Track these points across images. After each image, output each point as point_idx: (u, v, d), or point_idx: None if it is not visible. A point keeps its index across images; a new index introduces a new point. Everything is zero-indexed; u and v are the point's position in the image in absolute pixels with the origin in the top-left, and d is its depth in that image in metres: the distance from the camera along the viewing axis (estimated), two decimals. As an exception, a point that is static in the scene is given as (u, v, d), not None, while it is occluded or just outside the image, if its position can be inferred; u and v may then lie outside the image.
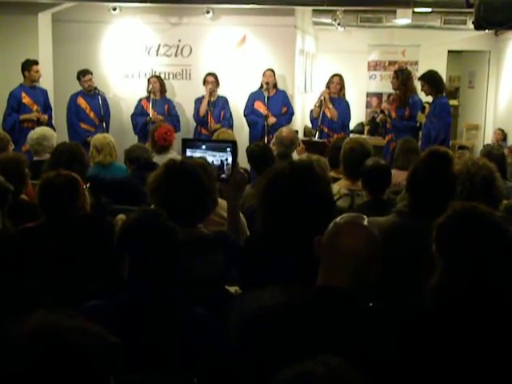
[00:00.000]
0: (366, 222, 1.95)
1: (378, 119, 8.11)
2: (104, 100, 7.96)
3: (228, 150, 2.97)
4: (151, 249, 2.14)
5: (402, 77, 7.38)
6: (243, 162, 5.69)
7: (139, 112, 8.07)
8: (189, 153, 3.04)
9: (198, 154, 3.02)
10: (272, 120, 7.87)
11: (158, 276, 2.15)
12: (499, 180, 3.45)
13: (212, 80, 8.03)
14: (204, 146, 3.05)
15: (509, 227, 2.00)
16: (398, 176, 4.83)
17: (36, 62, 7.48)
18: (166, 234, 2.18)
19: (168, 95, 8.28)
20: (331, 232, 1.93)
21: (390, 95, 8.12)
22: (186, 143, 3.12)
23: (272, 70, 8.00)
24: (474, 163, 3.37)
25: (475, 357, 1.86)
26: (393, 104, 7.56)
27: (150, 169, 4.31)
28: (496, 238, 1.94)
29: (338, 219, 1.95)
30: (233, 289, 2.82)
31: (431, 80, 7.01)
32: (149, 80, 8.13)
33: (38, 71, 7.46)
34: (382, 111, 7.80)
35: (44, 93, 7.73)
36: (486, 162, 3.57)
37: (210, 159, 2.96)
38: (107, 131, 7.43)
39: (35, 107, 7.48)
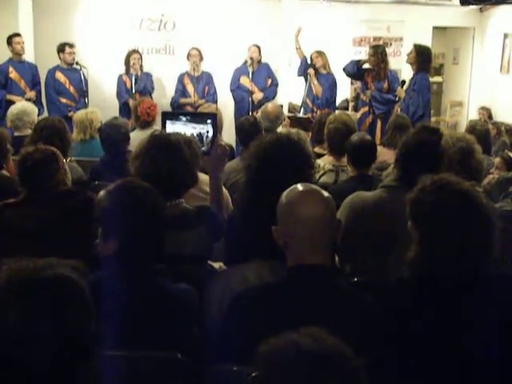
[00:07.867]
0: (317, 188, 1.90)
1: (354, 87, 7.98)
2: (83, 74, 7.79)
3: (208, 122, 2.92)
4: (132, 222, 2.07)
5: (382, 53, 7.32)
6: (228, 137, 5.63)
7: (123, 90, 7.88)
8: (169, 125, 2.99)
9: (178, 125, 2.96)
10: (258, 96, 7.84)
11: (143, 251, 2.09)
12: (479, 152, 3.45)
13: (195, 53, 7.91)
14: (184, 119, 3.00)
15: (478, 193, 2.00)
16: (385, 154, 4.80)
17: (17, 34, 7.46)
18: (146, 204, 2.11)
19: (151, 70, 8.15)
20: (286, 206, 1.86)
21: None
22: (166, 116, 3.07)
23: (257, 46, 7.91)
24: (451, 136, 3.39)
25: (453, 325, 1.87)
26: (367, 76, 7.49)
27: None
28: (466, 205, 1.94)
29: (287, 191, 1.90)
30: (217, 265, 2.79)
31: (422, 54, 6.96)
32: (130, 55, 7.91)
33: (18, 42, 7.43)
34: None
35: (33, 68, 7.66)
36: (465, 135, 3.59)
37: (190, 131, 2.91)
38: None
39: (22, 83, 7.44)
